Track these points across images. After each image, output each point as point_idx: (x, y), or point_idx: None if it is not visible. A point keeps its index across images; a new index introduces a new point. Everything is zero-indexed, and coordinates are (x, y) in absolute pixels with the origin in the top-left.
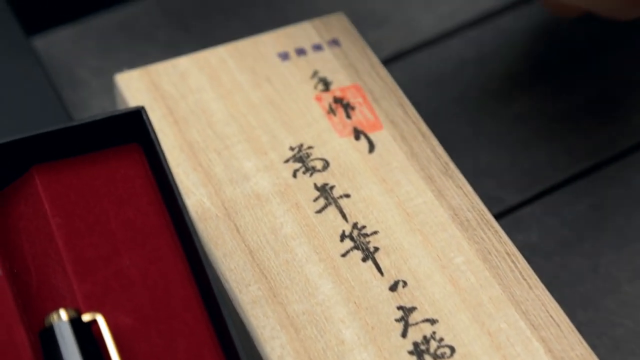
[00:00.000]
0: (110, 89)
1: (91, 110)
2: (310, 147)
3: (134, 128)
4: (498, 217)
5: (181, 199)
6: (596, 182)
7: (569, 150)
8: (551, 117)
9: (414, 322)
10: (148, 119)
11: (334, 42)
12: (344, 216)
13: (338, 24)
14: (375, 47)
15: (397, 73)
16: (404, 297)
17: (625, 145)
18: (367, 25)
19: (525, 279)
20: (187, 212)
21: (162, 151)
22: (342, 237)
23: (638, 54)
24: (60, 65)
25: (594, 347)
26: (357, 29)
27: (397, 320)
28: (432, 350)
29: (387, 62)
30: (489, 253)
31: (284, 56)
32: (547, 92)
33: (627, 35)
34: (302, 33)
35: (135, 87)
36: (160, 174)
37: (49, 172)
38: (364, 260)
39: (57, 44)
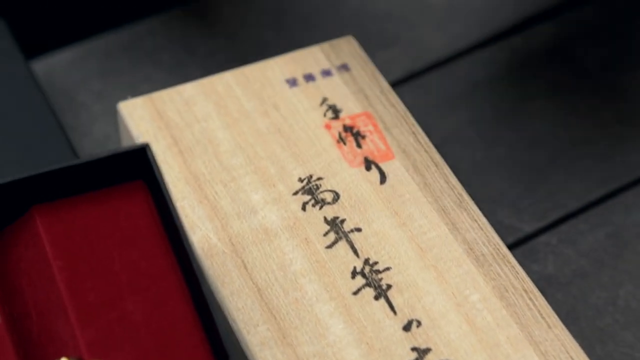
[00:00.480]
0: (113, 114)
1: (93, 135)
2: (319, 179)
3: (138, 165)
4: (513, 246)
5: (187, 241)
6: (613, 209)
7: (585, 176)
8: (566, 141)
9: None
10: (153, 156)
11: (343, 67)
12: (355, 251)
13: (347, 48)
14: (385, 69)
15: (408, 95)
16: (418, 337)
17: None
18: (376, 46)
19: (544, 318)
20: (193, 255)
21: (167, 190)
22: (354, 273)
23: None
24: (61, 89)
25: None
26: (366, 51)
27: None
28: None
29: (397, 83)
30: (506, 290)
31: (292, 82)
32: (562, 115)
33: None
34: (311, 58)
35: (139, 115)
36: (165, 214)
37: (50, 213)
38: (376, 298)
39: (58, 67)
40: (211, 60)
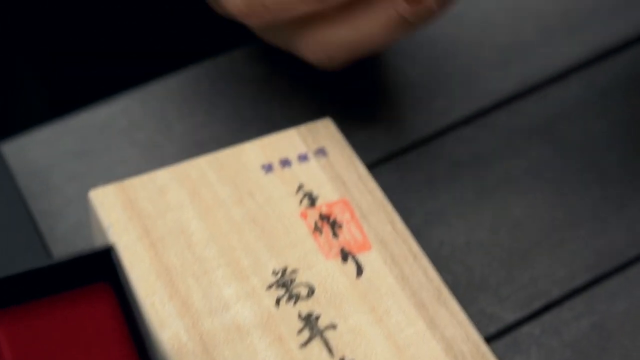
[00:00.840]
0: (86, 197)
1: (65, 221)
2: (294, 271)
3: (103, 266)
4: (495, 337)
5: (153, 349)
6: (598, 297)
7: (569, 261)
8: (549, 223)
9: None
10: (118, 259)
11: (321, 152)
12: (329, 350)
13: (324, 131)
14: (364, 149)
15: (387, 176)
16: None
17: (629, 255)
18: (355, 126)
19: None
20: None
21: (132, 295)
22: None
23: None
24: (31, 172)
25: None
26: (345, 130)
27: None
28: None
29: (377, 163)
30: None
31: (268, 168)
32: (546, 196)
33: (627, 132)
34: (287, 142)
35: (110, 204)
36: (130, 319)
37: (12, 318)
38: None
39: (29, 149)
40: (187, 138)
